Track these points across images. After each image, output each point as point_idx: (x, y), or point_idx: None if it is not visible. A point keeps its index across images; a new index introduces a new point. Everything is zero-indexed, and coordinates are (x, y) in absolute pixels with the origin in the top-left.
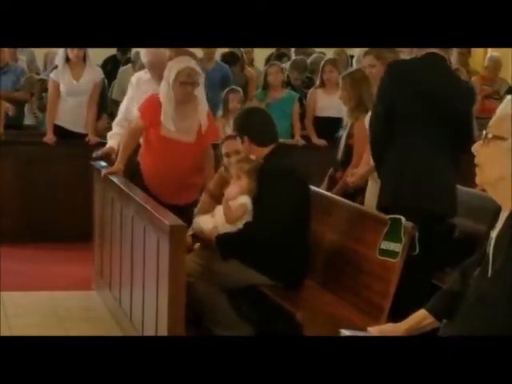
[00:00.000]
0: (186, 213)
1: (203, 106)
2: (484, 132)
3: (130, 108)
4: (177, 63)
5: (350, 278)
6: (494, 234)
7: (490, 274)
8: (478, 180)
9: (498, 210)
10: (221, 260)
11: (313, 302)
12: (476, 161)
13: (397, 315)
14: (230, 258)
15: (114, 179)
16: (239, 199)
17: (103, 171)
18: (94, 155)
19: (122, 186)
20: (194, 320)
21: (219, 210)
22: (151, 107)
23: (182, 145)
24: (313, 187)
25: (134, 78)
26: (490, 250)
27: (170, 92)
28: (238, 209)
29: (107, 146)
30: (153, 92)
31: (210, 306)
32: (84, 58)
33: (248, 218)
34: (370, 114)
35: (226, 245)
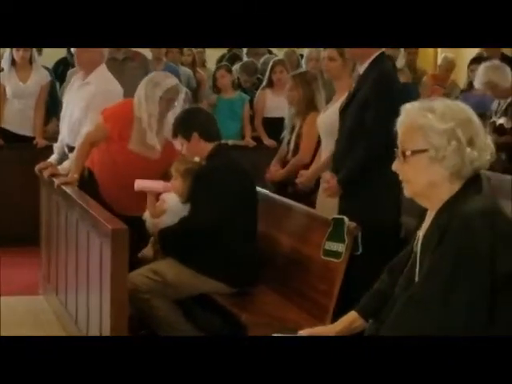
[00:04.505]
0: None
1: (171, 123)
2: (399, 150)
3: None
4: (162, 79)
5: (296, 279)
6: (420, 233)
7: (418, 275)
8: (406, 193)
9: (425, 210)
10: (171, 268)
11: (259, 304)
12: (401, 178)
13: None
14: (171, 253)
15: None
16: (164, 195)
17: (56, 181)
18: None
19: (66, 190)
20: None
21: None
22: (122, 118)
23: (146, 161)
24: (260, 189)
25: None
26: (418, 249)
27: (153, 109)
28: (159, 204)
29: (50, 159)
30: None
31: (167, 322)
32: (30, 60)
33: (172, 214)
34: (324, 113)
35: (165, 238)
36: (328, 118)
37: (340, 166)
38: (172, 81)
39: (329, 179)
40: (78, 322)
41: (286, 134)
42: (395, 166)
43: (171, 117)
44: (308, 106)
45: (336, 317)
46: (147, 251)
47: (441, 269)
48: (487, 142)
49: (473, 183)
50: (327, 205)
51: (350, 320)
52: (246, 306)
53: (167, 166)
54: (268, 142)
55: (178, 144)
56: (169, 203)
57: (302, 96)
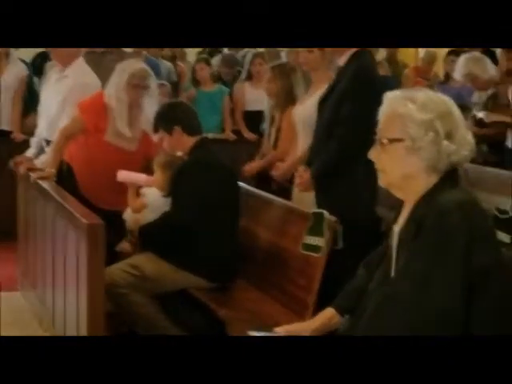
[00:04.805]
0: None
1: (150, 114)
2: (376, 138)
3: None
4: (129, 65)
5: (275, 274)
6: (396, 228)
7: (394, 271)
8: (381, 182)
9: (401, 204)
10: (150, 262)
11: (239, 299)
12: (377, 167)
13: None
14: (151, 248)
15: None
16: (145, 189)
17: (33, 176)
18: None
19: (42, 185)
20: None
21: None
22: (97, 109)
23: (123, 153)
24: (241, 183)
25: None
26: (394, 244)
27: (122, 95)
28: (139, 198)
29: (27, 153)
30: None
31: (145, 317)
32: (7, 54)
33: (153, 209)
34: (301, 105)
35: (146, 234)
36: (306, 111)
37: (315, 159)
38: (137, 65)
39: (301, 173)
40: (54, 318)
41: (265, 126)
42: (372, 155)
43: (149, 109)
44: (287, 99)
45: (317, 312)
46: (125, 245)
47: (416, 265)
48: (468, 137)
49: (450, 176)
50: (303, 199)
51: (328, 316)
52: (225, 301)
53: (145, 158)
54: (248, 135)
55: (157, 137)
56: (149, 198)
57: (281, 88)
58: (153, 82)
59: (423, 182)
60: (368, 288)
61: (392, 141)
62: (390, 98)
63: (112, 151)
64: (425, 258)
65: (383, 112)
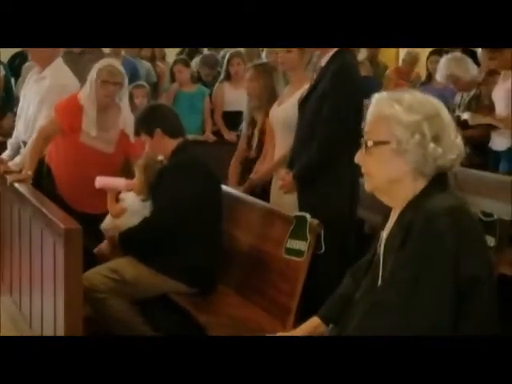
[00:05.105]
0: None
1: (127, 115)
2: (362, 140)
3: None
4: (100, 62)
5: (257, 279)
6: (384, 234)
7: (381, 278)
8: (367, 187)
9: (389, 210)
10: (130, 266)
11: (219, 304)
12: (363, 170)
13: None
14: (132, 253)
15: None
16: (123, 194)
17: (9, 178)
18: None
19: (19, 188)
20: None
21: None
22: (72, 110)
23: (100, 155)
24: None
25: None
26: (381, 250)
27: (92, 93)
28: (118, 204)
29: (3, 155)
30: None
31: (123, 322)
32: None
33: (132, 214)
34: (280, 106)
35: (127, 240)
36: (285, 112)
37: (297, 161)
38: (106, 62)
39: (284, 176)
40: (32, 323)
41: (244, 127)
42: (358, 158)
43: (126, 110)
44: (270, 99)
45: (300, 317)
46: (104, 248)
47: (403, 272)
48: (456, 140)
49: (438, 181)
50: (281, 202)
51: (313, 326)
52: (205, 306)
53: (123, 160)
54: (229, 136)
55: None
56: (128, 202)
57: (263, 87)
58: (125, 81)
59: (410, 187)
60: (355, 296)
61: (378, 143)
62: (377, 99)
63: (88, 153)
64: (412, 265)
65: (370, 114)
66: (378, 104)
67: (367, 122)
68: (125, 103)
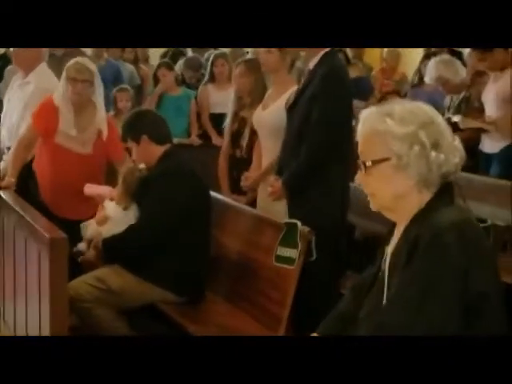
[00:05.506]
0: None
1: (102, 114)
2: (360, 162)
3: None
4: (69, 62)
5: (247, 287)
6: (389, 249)
7: (386, 297)
8: (373, 207)
9: (393, 225)
10: (116, 275)
11: (208, 314)
12: (366, 192)
13: (299, 326)
14: (115, 261)
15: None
16: (105, 202)
17: None
18: None
19: (2, 195)
20: None
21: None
22: (47, 113)
23: (77, 156)
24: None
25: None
26: (386, 267)
27: (64, 93)
28: (101, 212)
29: None
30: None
31: (109, 331)
32: None
33: (115, 222)
34: (264, 110)
35: (110, 248)
36: (270, 116)
37: (286, 168)
38: (74, 60)
39: (273, 182)
40: (16, 333)
41: (228, 123)
42: (358, 179)
43: (102, 109)
44: (261, 96)
45: (291, 325)
46: (90, 256)
47: (409, 290)
48: (455, 143)
49: (443, 193)
50: (269, 209)
51: None
52: (194, 316)
53: (103, 161)
54: (217, 140)
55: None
56: (109, 210)
57: (254, 81)
58: (96, 78)
59: (415, 201)
60: (355, 314)
61: (376, 162)
62: (365, 116)
63: (65, 155)
64: (419, 282)
65: (360, 133)
66: (368, 121)
67: (360, 141)
68: (100, 102)
